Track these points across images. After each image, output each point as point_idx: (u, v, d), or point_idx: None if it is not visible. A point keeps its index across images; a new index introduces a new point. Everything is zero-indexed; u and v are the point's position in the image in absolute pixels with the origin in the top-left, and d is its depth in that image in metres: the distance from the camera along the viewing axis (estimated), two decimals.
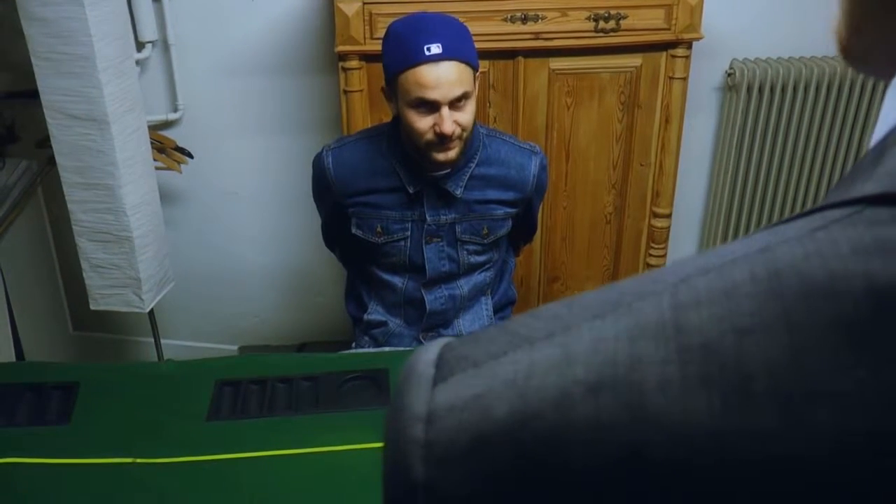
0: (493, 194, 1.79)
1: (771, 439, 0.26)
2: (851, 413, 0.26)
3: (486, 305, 1.94)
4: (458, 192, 1.75)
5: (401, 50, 1.60)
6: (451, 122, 1.61)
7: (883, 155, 0.33)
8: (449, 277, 1.85)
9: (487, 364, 0.32)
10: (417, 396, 0.32)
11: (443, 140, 1.63)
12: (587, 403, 0.29)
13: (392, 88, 1.65)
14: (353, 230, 1.82)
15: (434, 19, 1.64)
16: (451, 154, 1.67)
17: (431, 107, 1.60)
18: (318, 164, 1.81)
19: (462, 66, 1.60)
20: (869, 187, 0.31)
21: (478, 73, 1.68)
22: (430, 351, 0.34)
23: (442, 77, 1.58)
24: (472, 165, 1.75)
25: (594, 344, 0.30)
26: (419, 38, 1.58)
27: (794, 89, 2.49)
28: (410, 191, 1.74)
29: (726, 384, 0.27)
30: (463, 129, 1.65)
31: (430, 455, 0.31)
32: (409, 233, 1.79)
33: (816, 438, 0.26)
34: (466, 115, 1.64)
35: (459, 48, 1.61)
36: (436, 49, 1.57)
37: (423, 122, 1.62)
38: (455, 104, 1.61)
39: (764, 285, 0.29)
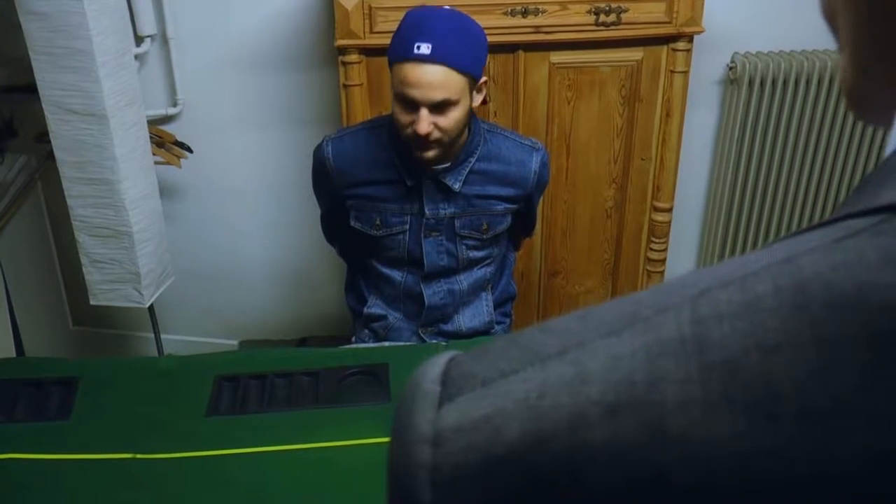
0: (493, 190, 1.78)
1: (798, 461, 0.25)
2: (884, 433, 0.25)
3: (486, 301, 1.94)
4: (458, 186, 1.74)
5: (397, 40, 1.60)
6: (429, 123, 1.59)
7: None
8: (448, 272, 1.85)
9: (497, 382, 0.31)
10: (423, 416, 0.31)
11: (421, 140, 1.62)
12: (604, 425, 0.27)
13: (391, 74, 1.65)
14: (352, 223, 1.81)
15: (442, 17, 1.61)
16: (429, 154, 1.66)
17: (412, 105, 1.59)
18: (318, 155, 1.80)
19: (450, 72, 1.57)
20: (893, 195, 0.29)
21: (481, 82, 1.65)
22: (435, 366, 0.33)
23: (424, 79, 1.56)
24: (472, 160, 1.75)
25: (610, 362, 0.29)
26: (413, 34, 1.56)
27: (796, 83, 2.48)
28: (409, 183, 1.74)
29: (751, 404, 0.26)
30: (443, 134, 1.62)
31: (437, 479, 0.30)
32: (407, 226, 1.79)
33: (847, 460, 0.25)
34: (448, 121, 1.61)
35: (453, 54, 1.57)
36: (424, 49, 1.55)
37: (404, 117, 1.62)
38: (436, 108, 1.59)
39: (788, 298, 0.27)
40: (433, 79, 1.56)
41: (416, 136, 1.61)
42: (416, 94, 1.57)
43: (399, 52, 1.58)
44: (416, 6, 1.68)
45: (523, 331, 0.33)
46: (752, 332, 0.27)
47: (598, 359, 0.29)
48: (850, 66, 0.38)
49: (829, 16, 0.38)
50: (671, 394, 0.27)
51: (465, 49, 1.60)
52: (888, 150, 0.34)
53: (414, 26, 1.58)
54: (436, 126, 1.60)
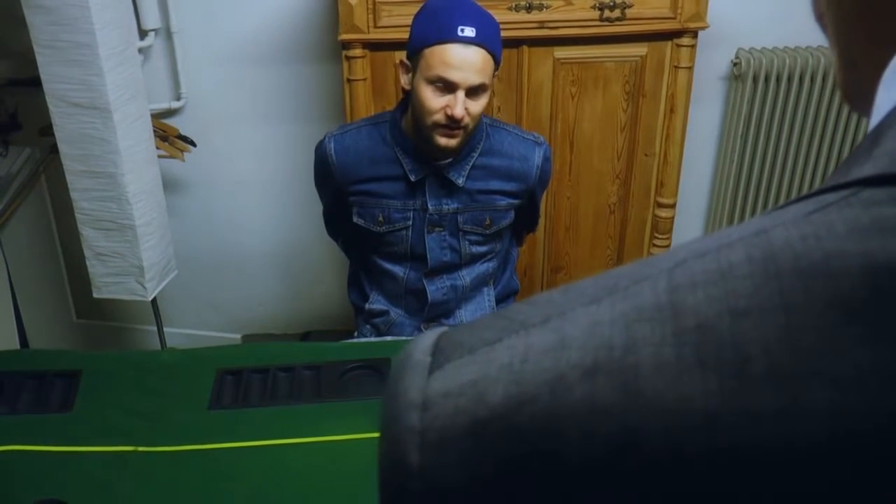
0: (496, 185, 1.78)
1: (767, 420, 0.26)
2: (849, 392, 0.26)
3: (488, 296, 1.94)
4: (461, 181, 1.74)
5: (434, 24, 1.59)
6: (463, 107, 1.61)
7: (879, 138, 0.32)
8: (451, 267, 1.85)
9: (482, 350, 0.32)
10: (413, 384, 0.32)
11: (450, 124, 1.62)
12: (582, 387, 0.28)
13: (413, 62, 1.64)
14: (355, 219, 1.81)
15: (473, 5, 1.64)
16: (453, 142, 1.66)
17: (449, 88, 1.60)
18: (320, 151, 1.80)
19: (488, 56, 1.60)
20: (866, 170, 0.31)
21: (496, 72, 1.67)
22: (427, 339, 0.34)
23: (468, 61, 1.58)
24: (475, 155, 1.74)
25: (590, 328, 0.30)
26: (455, 17, 1.57)
27: (801, 79, 2.48)
28: (412, 179, 1.74)
29: (722, 365, 0.27)
30: (471, 120, 1.64)
31: (425, 442, 0.31)
32: (410, 222, 1.79)
33: (813, 418, 0.26)
34: (478, 105, 1.64)
35: (491, 38, 1.61)
36: (469, 32, 1.56)
37: (436, 101, 1.61)
38: (471, 92, 1.61)
39: (760, 267, 0.28)
40: (475, 61, 1.58)
41: (449, 120, 1.61)
42: (457, 76, 1.58)
43: (439, 33, 1.58)
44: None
45: (510, 305, 0.34)
46: (725, 298, 0.28)
47: (579, 325, 0.30)
48: (840, 62, 0.40)
49: (819, 16, 0.41)
50: (646, 357, 0.28)
51: (497, 35, 1.64)
52: (870, 125, 0.35)
53: (453, 9, 1.59)
54: (466, 111, 1.62)
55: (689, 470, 0.27)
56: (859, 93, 0.39)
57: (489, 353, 0.31)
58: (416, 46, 1.62)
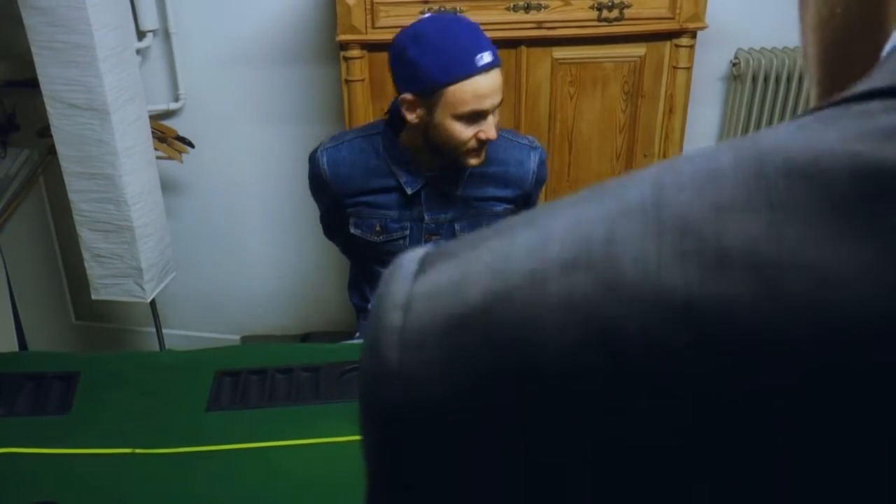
0: (492, 191, 1.77)
1: (744, 307, 0.26)
2: (829, 287, 0.25)
3: None
4: (458, 190, 1.74)
5: (448, 60, 1.54)
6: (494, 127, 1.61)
7: (883, 63, 0.32)
8: None
9: (466, 253, 0.32)
10: (398, 287, 0.32)
11: (482, 146, 1.62)
12: (561, 280, 0.28)
13: (429, 99, 1.57)
14: (352, 229, 1.80)
15: (469, 24, 1.60)
16: (483, 156, 1.66)
17: (481, 116, 1.58)
18: (313, 163, 1.79)
19: (500, 71, 1.59)
20: (861, 87, 0.31)
21: None
22: (417, 251, 0.35)
23: (494, 86, 1.56)
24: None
25: (572, 224, 0.30)
26: (468, 48, 1.54)
27: (800, 79, 2.47)
28: (409, 191, 1.73)
29: (702, 256, 0.27)
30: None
31: (404, 340, 0.31)
32: (408, 231, 1.78)
33: (790, 309, 0.25)
34: (497, 118, 1.63)
35: (496, 51, 1.58)
36: (486, 57, 1.54)
37: (468, 132, 1.59)
38: (496, 109, 1.61)
39: (748, 167, 0.28)
40: (498, 82, 1.57)
41: (481, 143, 1.60)
42: (487, 103, 1.57)
43: (460, 70, 1.54)
44: (421, 19, 1.66)
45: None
46: (710, 195, 0.28)
47: (561, 222, 0.30)
48: (819, 92, 0.40)
49: (804, 54, 0.42)
50: (627, 250, 0.28)
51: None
52: None
53: (460, 38, 1.56)
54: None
55: (666, 360, 0.26)
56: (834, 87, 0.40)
57: (472, 254, 0.32)
58: (432, 85, 1.55)
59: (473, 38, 1.56)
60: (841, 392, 0.25)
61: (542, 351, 0.28)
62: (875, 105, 0.29)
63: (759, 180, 0.28)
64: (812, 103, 0.41)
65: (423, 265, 0.33)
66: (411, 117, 1.62)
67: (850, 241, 0.26)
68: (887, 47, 0.34)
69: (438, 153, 1.67)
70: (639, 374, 0.27)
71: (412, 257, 0.34)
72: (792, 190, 0.27)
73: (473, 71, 1.53)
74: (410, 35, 1.57)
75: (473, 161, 1.65)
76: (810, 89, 0.42)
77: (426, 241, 1.79)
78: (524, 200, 1.84)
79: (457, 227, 1.78)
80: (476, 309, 0.29)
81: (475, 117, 1.58)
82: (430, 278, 0.32)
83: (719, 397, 0.26)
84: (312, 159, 1.79)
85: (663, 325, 0.26)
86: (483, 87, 1.55)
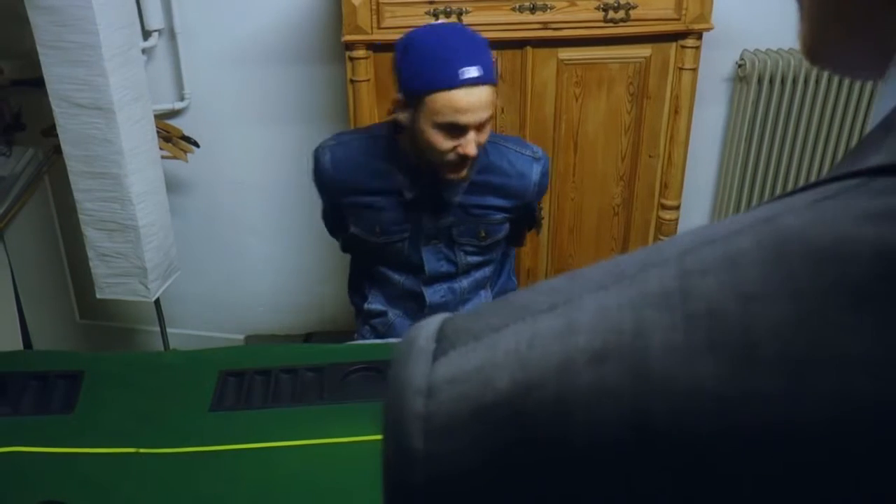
0: (492, 200, 1.76)
1: (775, 403, 0.26)
2: (856, 377, 0.25)
3: (486, 298, 1.93)
4: (457, 198, 1.73)
5: (431, 69, 1.53)
6: (475, 145, 1.57)
7: (891, 128, 0.32)
8: (448, 276, 1.85)
9: (488, 336, 0.31)
10: (417, 370, 0.32)
11: (462, 161, 1.60)
12: (590, 371, 0.28)
13: (412, 103, 1.57)
14: (352, 228, 1.81)
15: (463, 34, 1.58)
16: (464, 173, 1.64)
17: (459, 129, 1.55)
18: (316, 160, 1.78)
19: (491, 89, 1.55)
20: (877, 159, 0.30)
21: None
22: (431, 325, 0.34)
23: (475, 102, 1.52)
24: (473, 172, 1.73)
25: (598, 313, 0.30)
26: (453, 59, 1.51)
27: (806, 80, 2.47)
28: (408, 197, 1.73)
29: (732, 349, 0.27)
30: (479, 150, 1.61)
31: (430, 428, 0.30)
32: (407, 234, 1.78)
33: (820, 402, 0.26)
34: (485, 136, 1.60)
35: (491, 71, 1.55)
36: (472, 72, 1.50)
37: (446, 143, 1.57)
38: (479, 126, 1.57)
39: (769, 252, 0.28)
40: (482, 100, 1.53)
41: (461, 158, 1.58)
42: (467, 118, 1.53)
43: (439, 80, 1.52)
44: (423, 25, 1.65)
45: (515, 292, 0.34)
46: (734, 283, 0.28)
47: (587, 311, 0.30)
48: (810, 26, 0.42)
49: None
50: (656, 341, 0.28)
51: (491, 60, 1.58)
52: (872, 121, 0.35)
53: (447, 48, 1.53)
54: (477, 143, 1.58)
55: (697, 451, 0.27)
56: (828, 53, 0.40)
57: (495, 338, 0.31)
58: (414, 91, 1.55)
59: (464, 51, 1.53)
60: (864, 477, 0.25)
61: (572, 439, 0.28)
62: (893, 183, 0.29)
63: (781, 266, 0.28)
64: (799, 39, 0.42)
65: (441, 345, 0.32)
66: (401, 117, 1.63)
67: (874, 330, 0.26)
68: (893, 68, 0.34)
69: (425, 161, 1.65)
70: (669, 461, 0.27)
71: (426, 334, 0.34)
72: (814, 277, 0.27)
73: (453, 84, 1.51)
74: (405, 40, 1.58)
75: (452, 176, 1.63)
76: (798, 24, 0.42)
77: (425, 245, 1.79)
78: (524, 209, 1.83)
79: (454, 231, 1.78)
80: (505, 398, 0.29)
81: (454, 130, 1.55)
82: (451, 362, 0.31)
83: (740, 478, 0.26)
84: (315, 156, 1.79)
85: (694, 415, 0.27)
86: (461, 102, 1.52)
